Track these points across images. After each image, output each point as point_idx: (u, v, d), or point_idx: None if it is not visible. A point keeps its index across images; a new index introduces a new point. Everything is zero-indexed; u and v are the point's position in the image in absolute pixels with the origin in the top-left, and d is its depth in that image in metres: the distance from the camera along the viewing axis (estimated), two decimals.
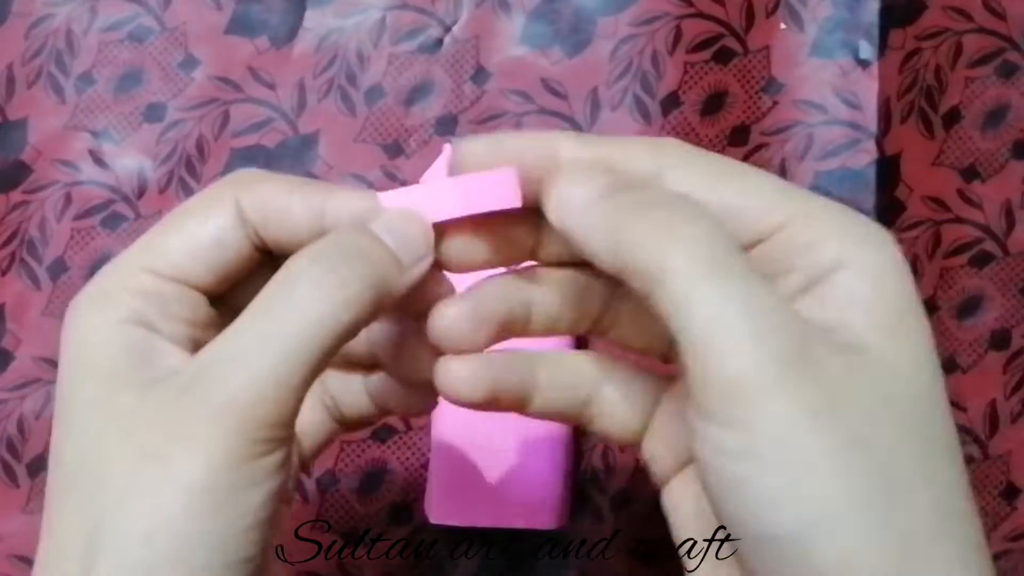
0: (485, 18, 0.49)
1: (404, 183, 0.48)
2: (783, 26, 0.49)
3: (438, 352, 0.31)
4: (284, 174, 0.31)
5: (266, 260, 0.31)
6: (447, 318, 0.30)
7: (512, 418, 0.45)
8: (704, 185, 0.28)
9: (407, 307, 0.31)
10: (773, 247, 0.27)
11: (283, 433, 0.27)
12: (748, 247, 0.27)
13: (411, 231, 0.29)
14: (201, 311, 0.30)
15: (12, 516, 0.47)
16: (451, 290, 0.31)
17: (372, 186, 0.48)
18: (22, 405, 0.48)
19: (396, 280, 0.29)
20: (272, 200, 0.30)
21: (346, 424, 0.35)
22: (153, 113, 0.48)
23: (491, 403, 0.31)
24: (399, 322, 0.32)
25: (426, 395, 0.33)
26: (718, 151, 0.49)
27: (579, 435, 0.48)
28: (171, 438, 0.26)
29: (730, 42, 0.49)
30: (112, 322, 0.28)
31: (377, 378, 0.34)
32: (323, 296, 0.27)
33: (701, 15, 0.49)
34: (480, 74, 0.49)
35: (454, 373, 0.30)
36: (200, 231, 0.29)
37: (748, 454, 0.24)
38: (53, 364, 0.47)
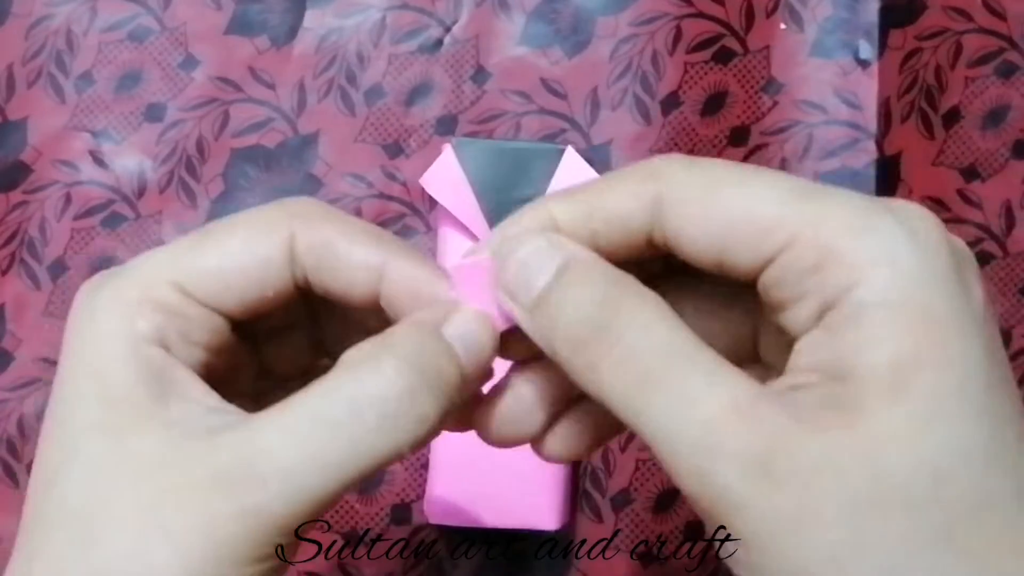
0: (485, 18, 0.49)
1: (404, 183, 0.48)
2: (783, 26, 0.49)
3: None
4: (351, 216, 0.28)
5: (302, 294, 0.29)
6: (500, 422, 0.29)
7: None
8: (703, 204, 0.26)
9: None
10: (783, 269, 0.25)
11: (294, 540, 0.26)
12: (758, 270, 0.25)
13: (483, 342, 0.27)
14: (222, 337, 0.28)
15: (12, 517, 0.47)
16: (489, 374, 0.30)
17: (371, 186, 0.48)
18: (22, 405, 0.48)
19: (462, 399, 0.27)
20: (330, 245, 0.27)
21: None
22: (153, 113, 0.48)
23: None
24: None
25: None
26: (718, 151, 0.49)
27: None
28: (189, 522, 0.24)
29: (730, 42, 0.49)
30: (130, 337, 0.26)
31: None
32: (395, 431, 0.25)
33: (701, 15, 0.49)
34: (480, 74, 0.49)
35: (555, 455, 0.29)
36: (247, 261, 0.27)
37: (745, 566, 0.24)
38: (53, 364, 0.47)
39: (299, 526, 0.25)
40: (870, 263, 0.23)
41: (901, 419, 0.22)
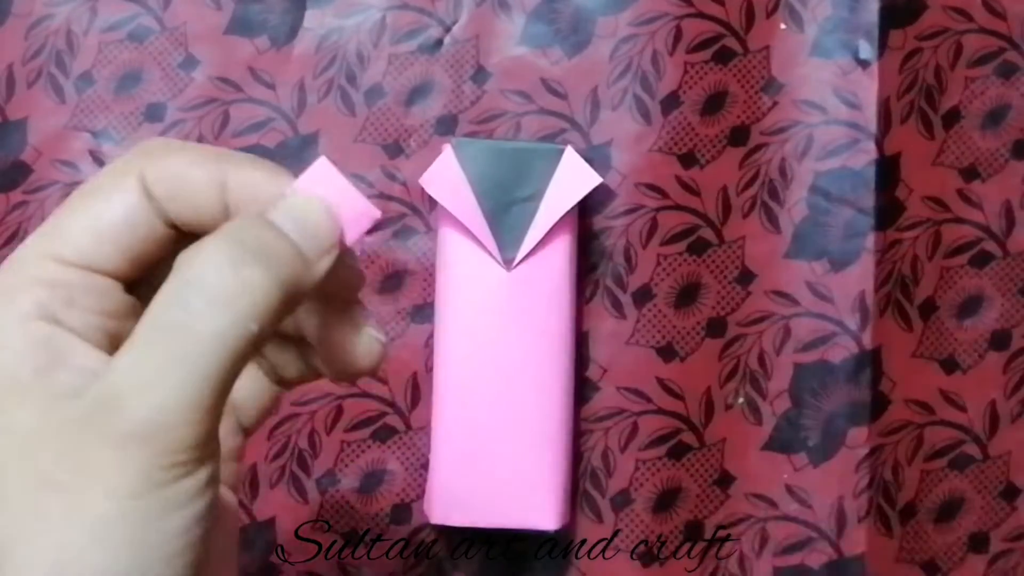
0: (485, 18, 0.49)
1: (404, 183, 0.48)
2: (783, 26, 0.49)
3: (356, 328, 0.30)
4: (196, 143, 0.28)
5: (185, 238, 0.28)
6: None
7: (511, 418, 0.45)
8: None
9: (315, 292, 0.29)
10: None
11: (200, 454, 0.25)
12: None
13: (316, 221, 0.27)
14: (115, 299, 0.27)
15: None
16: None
17: (372, 186, 0.48)
18: None
19: (303, 277, 0.26)
20: (175, 173, 0.27)
21: (287, 384, 0.32)
22: (153, 113, 0.48)
23: None
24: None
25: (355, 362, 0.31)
26: (718, 151, 0.49)
27: (579, 435, 0.48)
28: (75, 468, 0.24)
29: (730, 42, 0.49)
30: (13, 319, 0.26)
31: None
32: (226, 306, 0.25)
33: (701, 15, 0.49)
34: (480, 74, 0.49)
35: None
36: (105, 210, 0.27)
37: None
38: None
39: (194, 443, 0.24)
40: None
41: None
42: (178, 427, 0.24)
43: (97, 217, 0.27)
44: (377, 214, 0.28)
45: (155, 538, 0.24)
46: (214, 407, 0.25)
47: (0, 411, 0.25)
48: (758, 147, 0.49)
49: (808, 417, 0.48)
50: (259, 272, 0.25)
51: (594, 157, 0.48)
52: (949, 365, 0.49)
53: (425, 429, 0.47)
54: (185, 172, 0.27)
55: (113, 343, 0.27)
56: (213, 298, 0.25)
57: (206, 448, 0.25)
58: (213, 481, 0.25)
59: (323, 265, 0.27)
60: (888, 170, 0.49)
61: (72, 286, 0.27)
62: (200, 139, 0.48)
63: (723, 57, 0.49)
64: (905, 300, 0.49)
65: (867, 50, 0.49)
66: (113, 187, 0.27)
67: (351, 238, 0.28)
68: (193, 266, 0.25)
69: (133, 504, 0.24)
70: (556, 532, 0.46)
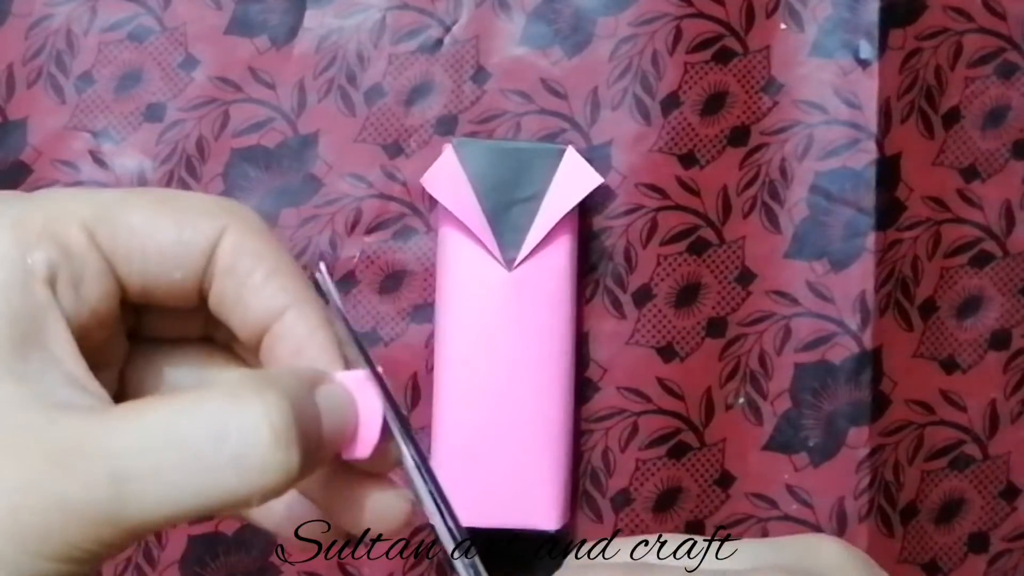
0: (485, 18, 0.49)
1: (404, 183, 0.48)
2: (783, 26, 0.49)
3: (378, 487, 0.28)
4: (277, 239, 0.26)
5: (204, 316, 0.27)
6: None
7: (512, 418, 0.45)
8: None
9: None
10: None
11: (108, 552, 0.23)
12: None
13: (344, 424, 0.25)
14: (108, 304, 0.25)
15: None
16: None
17: (371, 186, 0.48)
18: None
19: (308, 471, 0.24)
20: (259, 259, 0.25)
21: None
22: (153, 113, 0.48)
23: None
24: None
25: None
26: (718, 151, 0.49)
27: (579, 435, 0.48)
28: (15, 486, 0.22)
29: (730, 42, 0.49)
30: (19, 265, 0.24)
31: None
32: (251, 475, 0.22)
33: (701, 15, 0.49)
34: (480, 74, 0.49)
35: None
36: (167, 231, 0.25)
37: None
38: None
39: (118, 542, 0.23)
40: None
41: None
42: (122, 531, 0.22)
43: (157, 232, 0.25)
44: (365, 455, 0.26)
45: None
46: (148, 534, 0.23)
47: None
48: (758, 147, 0.49)
49: (808, 417, 0.48)
50: (297, 460, 0.23)
51: (594, 157, 0.48)
52: (949, 365, 0.49)
53: (425, 429, 0.47)
54: (264, 270, 0.26)
55: (84, 344, 0.25)
56: (247, 460, 0.22)
57: (114, 551, 0.23)
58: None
59: (317, 467, 0.25)
60: (888, 170, 0.49)
61: (88, 269, 0.25)
62: (200, 139, 0.48)
63: (723, 57, 0.49)
64: (905, 300, 0.49)
65: (867, 50, 0.49)
66: (192, 219, 0.25)
67: (348, 455, 0.26)
68: (253, 408, 0.23)
69: (28, 560, 0.22)
70: (556, 532, 0.46)
